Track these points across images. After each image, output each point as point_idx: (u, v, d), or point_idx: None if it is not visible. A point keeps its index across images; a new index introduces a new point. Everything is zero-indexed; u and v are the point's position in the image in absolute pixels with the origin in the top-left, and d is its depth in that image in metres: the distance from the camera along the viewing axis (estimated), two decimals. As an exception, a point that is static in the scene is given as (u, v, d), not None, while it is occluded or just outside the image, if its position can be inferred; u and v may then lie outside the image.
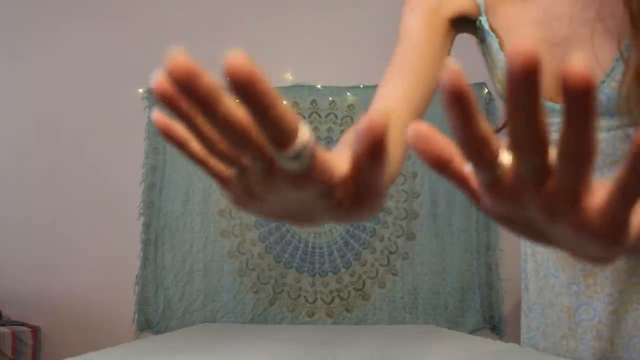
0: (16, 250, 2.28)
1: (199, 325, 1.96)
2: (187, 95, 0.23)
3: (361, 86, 2.38)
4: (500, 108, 2.24)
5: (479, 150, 0.24)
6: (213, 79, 0.22)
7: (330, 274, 2.25)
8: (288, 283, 2.24)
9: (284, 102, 0.23)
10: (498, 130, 0.83)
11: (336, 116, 2.37)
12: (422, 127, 0.25)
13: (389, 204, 2.28)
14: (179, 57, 0.23)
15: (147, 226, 2.29)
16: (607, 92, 0.61)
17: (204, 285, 2.24)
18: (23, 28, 2.48)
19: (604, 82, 0.61)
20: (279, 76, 2.40)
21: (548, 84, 0.65)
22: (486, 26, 0.69)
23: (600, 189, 0.25)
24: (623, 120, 0.61)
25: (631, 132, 0.61)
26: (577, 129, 0.22)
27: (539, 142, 0.23)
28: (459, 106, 0.23)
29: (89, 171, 2.35)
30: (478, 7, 0.70)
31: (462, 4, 0.70)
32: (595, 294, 0.75)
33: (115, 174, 2.34)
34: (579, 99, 0.21)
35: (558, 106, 0.65)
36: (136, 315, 2.23)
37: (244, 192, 0.28)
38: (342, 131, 2.35)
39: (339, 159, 0.28)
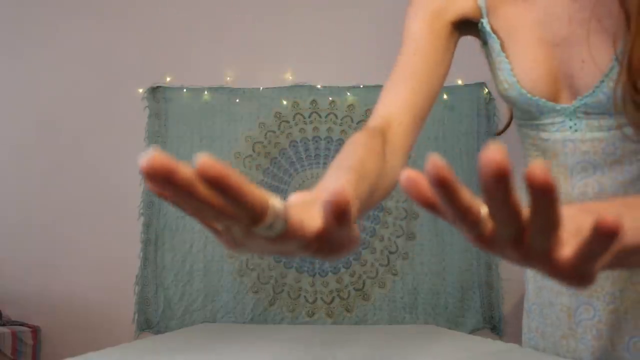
0: (16, 250, 2.28)
1: (199, 325, 1.96)
2: (168, 187, 0.27)
3: (361, 86, 2.38)
4: (501, 108, 2.24)
5: (463, 217, 0.29)
6: (188, 172, 0.26)
7: (330, 274, 2.25)
8: (288, 283, 2.24)
9: (252, 187, 0.27)
10: (499, 133, 0.83)
11: (336, 116, 2.37)
12: (412, 174, 0.29)
13: (389, 204, 2.28)
14: (156, 156, 0.26)
15: (147, 226, 2.29)
16: (605, 91, 0.62)
17: (204, 285, 2.24)
18: (23, 28, 2.48)
19: (602, 81, 0.63)
20: (279, 76, 2.40)
21: (548, 83, 0.67)
22: (488, 28, 0.70)
23: (571, 240, 0.30)
24: (621, 120, 0.61)
25: (629, 132, 0.62)
26: (543, 212, 0.27)
27: (513, 217, 0.28)
28: (443, 190, 0.27)
29: (89, 171, 2.35)
30: (480, 9, 0.71)
31: (464, 7, 0.71)
32: (595, 293, 0.75)
33: (115, 174, 2.34)
34: (541, 194, 0.26)
35: (558, 106, 0.66)
36: (136, 315, 2.23)
37: (233, 242, 0.31)
38: (342, 131, 2.35)
39: (312, 216, 0.32)
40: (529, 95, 0.68)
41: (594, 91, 0.63)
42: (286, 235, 0.30)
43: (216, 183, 0.26)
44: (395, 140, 0.68)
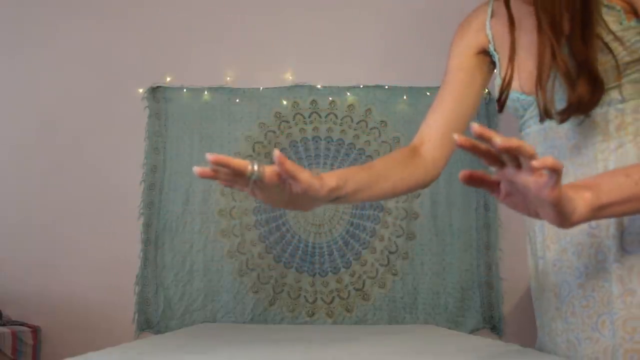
0: (16, 250, 2.28)
1: (199, 325, 1.96)
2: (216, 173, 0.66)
3: (361, 86, 2.38)
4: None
5: (494, 156, 0.54)
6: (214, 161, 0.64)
7: (330, 274, 2.25)
8: (288, 283, 2.24)
9: (239, 161, 0.65)
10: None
11: (336, 116, 2.37)
12: (463, 138, 0.53)
13: (389, 204, 2.28)
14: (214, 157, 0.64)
15: (147, 226, 2.29)
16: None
17: (204, 285, 2.24)
18: (23, 28, 2.48)
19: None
20: (279, 76, 2.40)
21: (526, 79, 0.83)
22: (492, 50, 0.92)
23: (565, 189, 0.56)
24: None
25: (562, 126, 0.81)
26: (508, 150, 0.52)
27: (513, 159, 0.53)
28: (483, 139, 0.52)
29: (89, 171, 2.35)
30: (487, 37, 0.93)
31: (480, 42, 0.94)
32: (569, 270, 0.81)
33: (115, 174, 2.34)
34: (489, 141, 0.52)
35: (531, 98, 0.83)
36: (136, 315, 2.23)
37: (251, 191, 0.68)
38: (342, 131, 2.35)
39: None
40: (514, 92, 0.86)
41: None
42: (263, 179, 0.66)
43: (219, 163, 0.65)
44: (426, 154, 0.92)
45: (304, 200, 0.71)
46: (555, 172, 0.52)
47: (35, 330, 2.15)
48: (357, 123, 2.36)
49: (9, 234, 2.30)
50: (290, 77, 2.40)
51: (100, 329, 2.21)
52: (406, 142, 2.34)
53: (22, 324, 2.13)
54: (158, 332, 2.20)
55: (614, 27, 0.72)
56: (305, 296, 2.24)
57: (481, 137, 0.51)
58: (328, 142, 2.36)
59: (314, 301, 2.23)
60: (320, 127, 2.37)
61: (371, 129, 2.36)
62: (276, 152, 0.64)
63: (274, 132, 2.37)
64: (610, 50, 0.71)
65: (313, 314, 2.22)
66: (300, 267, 2.26)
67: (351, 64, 2.41)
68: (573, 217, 0.58)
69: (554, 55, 0.73)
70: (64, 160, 2.37)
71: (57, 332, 2.21)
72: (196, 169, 0.66)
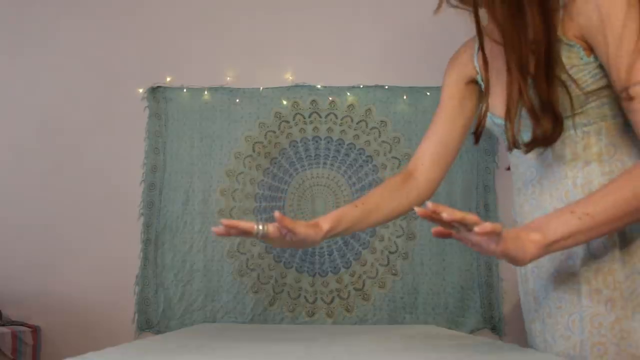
0: (16, 250, 2.28)
1: (199, 325, 1.96)
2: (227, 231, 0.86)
3: (361, 86, 2.38)
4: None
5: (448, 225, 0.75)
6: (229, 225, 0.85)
7: (330, 273, 2.25)
8: (288, 283, 2.24)
9: (246, 222, 0.85)
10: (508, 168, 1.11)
11: (336, 116, 2.37)
12: (421, 211, 0.71)
13: (389, 204, 2.28)
14: (225, 223, 0.85)
15: (147, 226, 2.29)
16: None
17: (204, 285, 2.24)
18: (23, 28, 2.48)
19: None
20: (279, 76, 2.40)
21: (499, 103, 0.93)
22: (480, 79, 1.02)
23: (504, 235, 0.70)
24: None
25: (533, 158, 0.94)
26: (459, 222, 0.71)
27: (460, 223, 0.69)
28: (436, 219, 0.72)
29: (89, 171, 2.35)
30: (475, 68, 1.05)
31: (468, 72, 1.06)
32: (545, 275, 0.91)
33: (115, 174, 2.34)
34: (440, 219, 0.73)
35: (501, 120, 0.93)
36: (136, 315, 2.23)
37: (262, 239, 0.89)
38: (342, 131, 2.36)
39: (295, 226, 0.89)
40: (493, 117, 0.97)
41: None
42: (270, 237, 0.86)
43: (230, 227, 0.84)
44: (420, 177, 1.07)
45: (305, 243, 0.92)
46: (496, 233, 0.67)
47: (35, 330, 2.15)
48: (357, 123, 2.36)
49: (9, 234, 2.30)
50: (290, 77, 2.40)
51: (100, 329, 2.21)
52: (406, 142, 2.34)
53: (22, 324, 2.13)
54: (158, 332, 2.20)
55: (576, 62, 0.82)
56: (305, 296, 2.24)
57: (434, 213, 0.71)
58: (328, 142, 2.36)
59: (314, 301, 2.23)
60: (320, 127, 2.37)
61: (371, 129, 2.36)
62: (276, 214, 0.83)
63: (274, 132, 2.37)
64: (574, 81, 0.81)
65: (313, 314, 2.22)
66: (300, 267, 2.26)
67: (351, 64, 2.41)
68: (525, 258, 0.71)
69: (521, 94, 0.82)
70: (63, 160, 2.37)
71: (57, 332, 2.21)
72: (214, 230, 0.84)
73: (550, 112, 0.80)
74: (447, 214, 0.69)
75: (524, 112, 0.84)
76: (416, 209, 0.71)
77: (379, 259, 2.26)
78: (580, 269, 0.82)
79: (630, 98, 0.76)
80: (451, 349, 1.04)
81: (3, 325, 2.03)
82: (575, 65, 0.82)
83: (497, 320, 2.20)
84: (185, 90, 2.40)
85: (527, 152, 0.87)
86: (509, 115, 0.85)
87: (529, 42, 0.81)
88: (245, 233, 0.85)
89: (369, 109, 2.37)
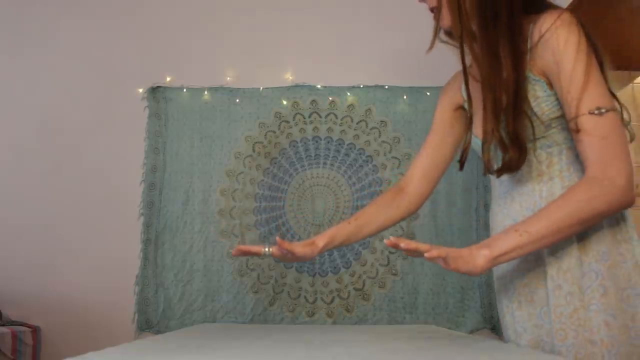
0: (16, 250, 2.28)
1: (199, 325, 1.96)
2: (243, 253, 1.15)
3: (361, 86, 2.38)
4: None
5: (412, 253, 0.93)
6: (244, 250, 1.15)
7: (330, 273, 2.25)
8: (288, 283, 2.24)
9: (257, 247, 1.15)
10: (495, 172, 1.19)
11: (336, 116, 2.37)
12: (388, 242, 0.91)
13: (389, 204, 2.28)
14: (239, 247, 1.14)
15: (147, 226, 2.29)
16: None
17: (204, 285, 2.24)
18: (23, 28, 2.48)
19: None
20: (279, 76, 2.40)
21: (478, 124, 1.04)
22: (467, 107, 1.11)
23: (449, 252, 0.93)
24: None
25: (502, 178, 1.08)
26: (409, 252, 0.92)
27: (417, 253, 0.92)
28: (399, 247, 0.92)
29: (89, 171, 2.35)
30: (463, 97, 1.17)
31: (457, 100, 1.21)
32: (516, 273, 1.05)
33: (115, 174, 2.34)
34: (402, 249, 0.91)
35: (480, 141, 1.05)
36: (136, 315, 2.23)
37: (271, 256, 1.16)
38: (342, 131, 2.35)
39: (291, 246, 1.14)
40: (476, 139, 1.08)
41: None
42: (273, 255, 1.13)
43: (243, 252, 1.14)
44: (411, 191, 1.25)
45: (305, 258, 1.16)
46: (441, 258, 0.90)
47: (35, 330, 2.15)
48: (357, 123, 2.36)
49: (9, 234, 2.30)
50: (290, 77, 2.40)
51: (100, 329, 2.21)
52: (406, 142, 2.34)
53: (22, 324, 2.12)
54: (158, 332, 2.20)
55: (540, 94, 0.96)
56: (305, 296, 2.24)
57: (394, 245, 0.90)
58: (328, 142, 2.36)
59: (314, 301, 2.23)
60: (320, 127, 2.37)
61: (371, 129, 2.36)
62: (277, 238, 1.08)
63: (274, 132, 2.37)
64: (536, 114, 0.97)
65: (313, 314, 2.22)
66: (300, 267, 2.26)
67: (351, 64, 2.41)
68: (476, 270, 0.91)
69: (493, 131, 0.97)
70: (63, 160, 2.36)
71: (57, 332, 2.21)
72: (232, 252, 1.15)
73: (517, 144, 0.94)
74: (404, 244, 0.90)
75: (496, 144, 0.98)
76: (385, 240, 0.91)
77: (379, 259, 2.26)
78: (547, 267, 0.97)
79: (577, 130, 0.90)
80: (451, 348, 1.04)
81: (3, 325, 2.03)
82: (540, 97, 0.96)
83: (497, 320, 2.20)
84: (185, 90, 2.40)
85: (498, 176, 1.01)
86: (484, 147, 1.00)
87: (502, 82, 0.95)
88: (256, 254, 1.13)
89: (369, 109, 2.37)
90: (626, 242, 0.95)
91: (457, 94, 1.21)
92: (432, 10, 1.09)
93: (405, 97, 2.37)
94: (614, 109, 0.90)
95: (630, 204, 0.90)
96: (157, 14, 2.49)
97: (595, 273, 0.93)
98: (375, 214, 1.23)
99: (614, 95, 0.94)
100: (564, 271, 0.95)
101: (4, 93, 2.43)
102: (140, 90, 2.41)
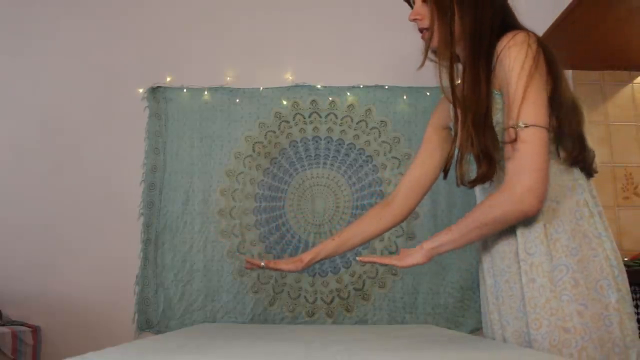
0: (16, 250, 2.28)
1: (199, 325, 1.96)
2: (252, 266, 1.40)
3: (361, 86, 2.38)
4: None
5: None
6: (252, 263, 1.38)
7: (330, 273, 2.25)
8: (288, 283, 2.24)
9: (257, 260, 1.38)
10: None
11: (336, 116, 2.37)
12: (360, 259, 1.26)
13: (389, 204, 2.28)
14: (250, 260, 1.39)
15: (147, 226, 2.29)
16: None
17: (204, 285, 2.24)
18: (23, 28, 2.49)
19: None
20: (279, 76, 2.40)
21: (465, 139, 1.07)
22: (451, 125, 1.21)
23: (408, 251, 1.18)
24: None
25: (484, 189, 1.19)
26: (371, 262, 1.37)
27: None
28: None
29: (89, 171, 2.35)
30: (450, 116, 1.23)
31: (446, 119, 1.30)
32: (498, 271, 1.13)
33: (115, 174, 2.34)
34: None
35: (471, 156, 1.08)
36: (136, 315, 2.23)
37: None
38: (342, 131, 2.36)
39: (285, 262, 1.40)
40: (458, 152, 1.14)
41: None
42: (268, 266, 1.37)
43: (251, 266, 1.39)
44: (399, 203, 1.36)
45: (293, 271, 1.40)
46: (375, 262, 1.23)
47: (35, 330, 2.15)
48: (357, 123, 2.36)
49: (9, 234, 2.30)
50: (290, 77, 2.40)
51: (100, 329, 2.21)
52: (406, 142, 2.34)
53: (22, 324, 2.13)
54: (158, 332, 2.20)
55: (499, 106, 1.05)
56: (305, 296, 2.24)
57: (362, 261, 1.29)
58: (328, 142, 2.36)
59: (314, 301, 2.23)
60: (320, 127, 2.37)
61: (371, 129, 2.36)
62: (265, 262, 1.35)
63: (274, 132, 2.37)
64: (500, 119, 1.06)
65: (313, 314, 2.22)
66: (300, 267, 2.25)
67: (351, 64, 2.41)
68: (418, 260, 1.12)
69: (472, 145, 1.03)
70: (63, 160, 2.37)
71: (57, 332, 2.21)
72: (246, 267, 1.41)
73: (487, 158, 1.02)
74: (367, 259, 1.22)
75: (470, 158, 1.06)
76: (358, 258, 1.19)
77: (379, 259, 2.26)
78: (521, 263, 1.05)
79: (513, 140, 0.98)
80: (451, 348, 1.04)
81: (3, 325, 2.03)
82: (500, 109, 1.05)
83: (497, 320, 2.20)
84: (185, 90, 2.40)
85: (471, 187, 1.10)
86: (459, 161, 1.08)
87: (481, 100, 1.03)
88: (257, 267, 1.37)
89: (369, 109, 2.37)
90: (597, 237, 1.02)
91: (446, 114, 1.30)
92: (421, 30, 1.17)
93: (405, 97, 2.37)
94: (538, 125, 0.97)
95: (527, 213, 0.98)
96: (157, 14, 2.49)
97: (565, 267, 1.00)
98: (359, 228, 1.37)
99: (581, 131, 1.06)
100: (536, 266, 1.02)
101: (5, 93, 2.43)
102: (141, 90, 2.41)
